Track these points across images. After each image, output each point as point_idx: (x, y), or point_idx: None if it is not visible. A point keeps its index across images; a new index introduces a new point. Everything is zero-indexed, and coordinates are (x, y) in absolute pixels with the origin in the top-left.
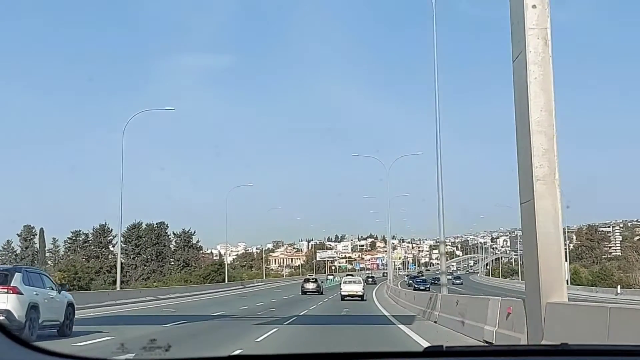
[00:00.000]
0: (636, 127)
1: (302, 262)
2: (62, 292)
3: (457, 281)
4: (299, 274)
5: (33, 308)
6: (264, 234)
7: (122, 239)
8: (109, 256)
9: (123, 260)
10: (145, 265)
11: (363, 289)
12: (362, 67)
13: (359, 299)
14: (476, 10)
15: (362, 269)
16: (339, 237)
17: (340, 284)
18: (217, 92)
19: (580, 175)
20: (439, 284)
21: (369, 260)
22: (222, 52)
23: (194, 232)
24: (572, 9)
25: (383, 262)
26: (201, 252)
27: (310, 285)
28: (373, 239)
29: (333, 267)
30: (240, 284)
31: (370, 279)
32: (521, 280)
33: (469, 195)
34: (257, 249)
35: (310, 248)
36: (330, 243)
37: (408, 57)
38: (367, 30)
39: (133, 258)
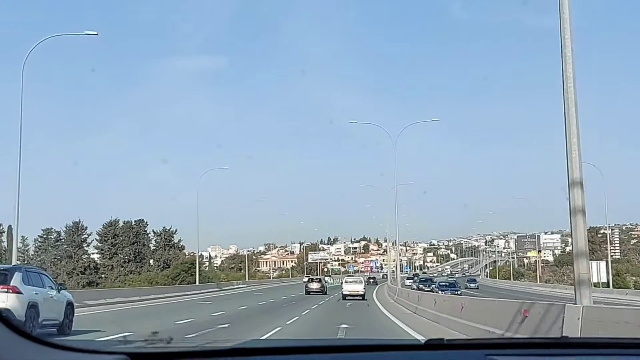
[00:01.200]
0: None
1: (294, 265)
2: (62, 291)
3: (472, 285)
4: (288, 276)
5: (32, 307)
6: (256, 237)
7: (97, 237)
8: (83, 256)
9: (98, 261)
10: (122, 266)
11: (364, 288)
12: (357, 69)
13: (360, 298)
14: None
15: (355, 271)
16: (332, 239)
17: (342, 283)
18: (211, 94)
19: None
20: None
21: (362, 263)
22: (216, 54)
23: (176, 231)
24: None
25: (377, 264)
26: (183, 251)
27: (315, 285)
28: (366, 242)
29: (325, 270)
30: (215, 286)
31: (371, 280)
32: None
33: (464, 198)
34: (248, 251)
35: (302, 250)
36: (323, 245)
37: (404, 59)
38: (361, 32)
39: (109, 258)
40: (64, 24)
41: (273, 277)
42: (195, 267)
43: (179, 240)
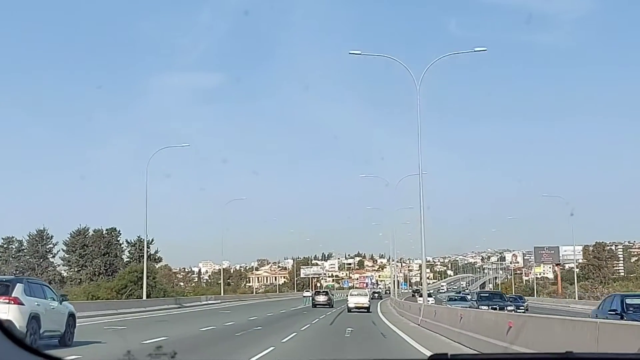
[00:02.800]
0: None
1: (286, 280)
2: (63, 302)
3: (520, 303)
4: (276, 292)
5: (34, 318)
6: (252, 253)
7: (64, 247)
8: (48, 268)
9: (65, 274)
10: (92, 280)
11: (369, 301)
12: (354, 86)
13: (365, 310)
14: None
15: (350, 287)
16: (326, 255)
17: (347, 296)
18: (207, 110)
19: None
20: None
21: (357, 279)
22: (213, 71)
23: (152, 241)
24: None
25: (373, 280)
26: (160, 264)
27: (322, 298)
28: (361, 258)
29: (318, 285)
30: (173, 302)
31: (376, 294)
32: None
33: (459, 217)
34: (240, 267)
35: (294, 265)
36: (317, 261)
37: (399, 78)
38: (359, 47)
39: (77, 271)
40: (62, 38)
41: (258, 293)
42: (152, 278)
43: (156, 252)
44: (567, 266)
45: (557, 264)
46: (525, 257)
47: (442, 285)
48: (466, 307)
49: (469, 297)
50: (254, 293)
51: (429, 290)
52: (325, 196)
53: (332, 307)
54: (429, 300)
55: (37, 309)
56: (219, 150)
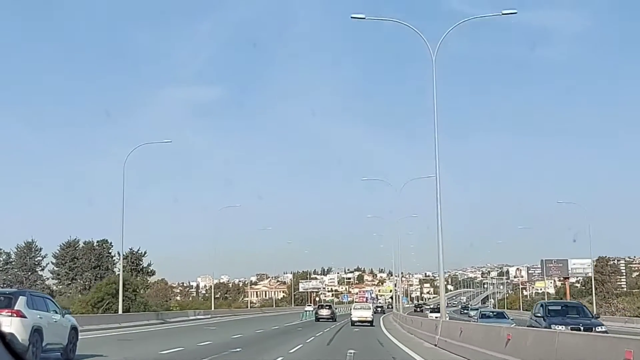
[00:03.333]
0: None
1: (285, 295)
2: (66, 315)
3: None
4: (272, 306)
5: (37, 331)
6: (250, 267)
7: (53, 260)
8: (37, 282)
9: (54, 287)
10: (81, 294)
11: (372, 315)
12: (354, 99)
13: (369, 324)
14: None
15: (349, 302)
16: (325, 269)
17: (351, 310)
18: (205, 124)
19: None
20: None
21: (356, 293)
22: (211, 85)
23: (144, 253)
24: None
25: (372, 295)
26: (155, 277)
27: (325, 312)
28: (361, 272)
29: (317, 300)
30: (155, 317)
31: (379, 309)
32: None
33: (459, 231)
34: (239, 281)
35: (294, 278)
36: (316, 276)
37: (400, 91)
38: (359, 63)
39: (67, 284)
40: (58, 49)
41: (254, 307)
42: (132, 292)
43: (149, 264)
44: (580, 278)
45: (565, 278)
46: (529, 272)
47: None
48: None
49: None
50: (249, 307)
51: (431, 305)
52: (325, 207)
53: (335, 320)
54: (432, 316)
55: (40, 322)
56: (214, 160)
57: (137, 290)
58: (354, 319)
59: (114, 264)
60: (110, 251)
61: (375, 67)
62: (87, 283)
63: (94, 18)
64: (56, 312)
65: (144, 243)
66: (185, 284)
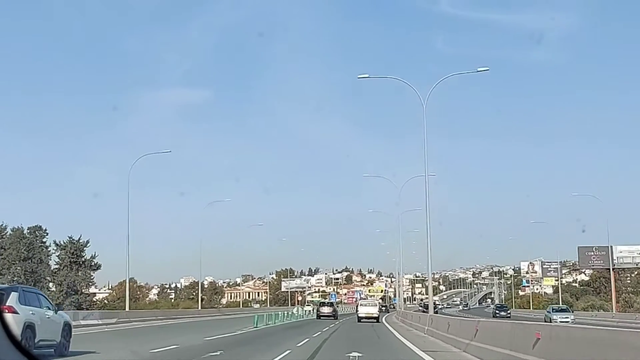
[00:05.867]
0: None
1: (267, 295)
2: (59, 312)
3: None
4: (249, 306)
5: (29, 328)
6: (239, 268)
7: None
8: None
9: None
10: None
11: (378, 311)
12: (343, 101)
13: (375, 320)
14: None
15: (338, 302)
16: (313, 270)
17: (357, 306)
18: (194, 127)
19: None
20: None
21: (345, 294)
22: (200, 87)
23: (87, 243)
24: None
25: (362, 295)
26: (98, 271)
27: (326, 310)
28: (349, 273)
29: (300, 299)
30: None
31: (383, 307)
32: None
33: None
34: (224, 282)
35: (277, 277)
36: (303, 277)
37: (390, 94)
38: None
39: None
40: (45, 51)
41: (219, 308)
42: None
43: (93, 257)
44: (564, 281)
45: (611, 268)
46: (544, 266)
47: (434, 301)
48: None
49: None
50: (217, 308)
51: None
52: (318, 207)
53: (337, 318)
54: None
55: (32, 318)
56: (205, 161)
57: (77, 287)
58: (360, 315)
59: (48, 255)
60: (44, 240)
61: (368, 68)
62: (15, 278)
63: (84, 22)
64: (49, 308)
65: (132, 244)
66: (167, 285)
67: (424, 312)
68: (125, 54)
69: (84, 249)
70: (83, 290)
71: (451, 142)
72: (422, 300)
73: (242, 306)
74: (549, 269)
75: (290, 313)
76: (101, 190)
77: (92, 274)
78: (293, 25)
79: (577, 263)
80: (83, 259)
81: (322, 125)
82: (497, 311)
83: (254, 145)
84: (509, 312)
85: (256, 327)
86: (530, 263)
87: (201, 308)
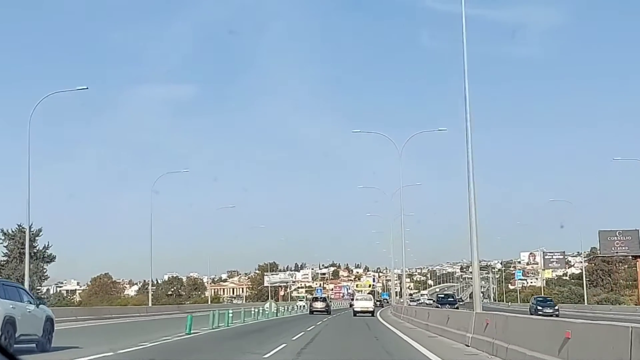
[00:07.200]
0: None
1: (246, 291)
2: (41, 306)
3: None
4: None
5: (9, 322)
6: (226, 264)
7: None
8: None
9: None
10: None
11: (373, 305)
12: (328, 97)
13: (370, 314)
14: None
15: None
16: (299, 265)
17: (352, 300)
18: (180, 122)
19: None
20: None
21: (332, 289)
22: (185, 83)
23: (40, 232)
24: None
25: (349, 291)
26: (53, 263)
27: (319, 305)
28: (336, 268)
29: (282, 295)
30: None
31: (378, 302)
32: None
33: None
34: (209, 278)
35: (259, 271)
36: (290, 272)
37: (373, 91)
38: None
39: None
40: (27, 44)
41: (191, 303)
42: None
43: (46, 247)
44: (567, 271)
45: (635, 257)
46: (545, 257)
47: (422, 294)
48: None
49: None
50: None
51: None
52: (307, 204)
53: (330, 313)
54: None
55: (13, 312)
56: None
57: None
58: (356, 309)
59: None
60: None
61: (352, 63)
62: None
63: (65, 15)
64: (30, 303)
65: (126, 239)
66: (148, 281)
67: (437, 307)
68: (109, 48)
69: (36, 239)
70: (35, 285)
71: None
72: (411, 295)
73: (213, 302)
74: (551, 259)
75: (260, 310)
76: (78, 187)
77: (44, 266)
78: (277, 20)
79: (597, 250)
80: (35, 251)
81: (306, 119)
82: (538, 307)
83: (237, 140)
84: (556, 307)
85: (188, 334)
86: (531, 254)
87: (152, 305)
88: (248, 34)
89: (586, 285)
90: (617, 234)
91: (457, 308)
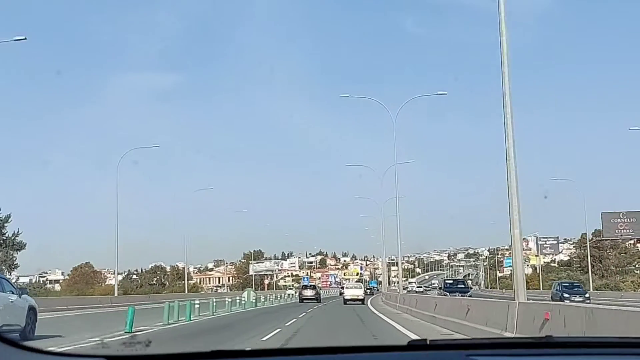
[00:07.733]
0: None
1: (229, 279)
2: (23, 295)
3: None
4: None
5: None
6: (207, 255)
7: None
8: None
9: None
10: None
11: (363, 293)
12: (315, 87)
13: (360, 302)
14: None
15: (312, 286)
16: (286, 254)
17: (342, 288)
18: (164, 111)
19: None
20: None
21: (319, 278)
22: (169, 71)
23: (8, 218)
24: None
25: (336, 279)
26: (23, 251)
27: (309, 293)
28: (323, 256)
29: (268, 284)
30: None
31: (368, 290)
32: None
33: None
34: (194, 267)
35: (244, 259)
36: (277, 261)
37: (363, 76)
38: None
39: None
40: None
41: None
42: None
43: (15, 235)
44: (555, 258)
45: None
46: (540, 242)
47: (410, 282)
48: None
49: None
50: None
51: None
52: (295, 193)
53: (319, 302)
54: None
55: None
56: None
57: None
58: (346, 297)
59: None
60: None
61: (338, 47)
62: None
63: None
64: (12, 293)
65: (111, 228)
66: (132, 270)
67: (445, 294)
68: (92, 36)
69: (4, 225)
70: (4, 274)
71: (429, 123)
72: (396, 283)
73: (192, 291)
74: (545, 245)
75: (237, 300)
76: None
77: (14, 254)
78: (262, 6)
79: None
80: (4, 237)
81: (291, 107)
82: (564, 294)
83: (228, 126)
84: (587, 295)
85: (129, 332)
86: (524, 239)
87: (117, 295)
88: (231, 18)
89: (591, 271)
90: (620, 215)
91: (470, 296)
